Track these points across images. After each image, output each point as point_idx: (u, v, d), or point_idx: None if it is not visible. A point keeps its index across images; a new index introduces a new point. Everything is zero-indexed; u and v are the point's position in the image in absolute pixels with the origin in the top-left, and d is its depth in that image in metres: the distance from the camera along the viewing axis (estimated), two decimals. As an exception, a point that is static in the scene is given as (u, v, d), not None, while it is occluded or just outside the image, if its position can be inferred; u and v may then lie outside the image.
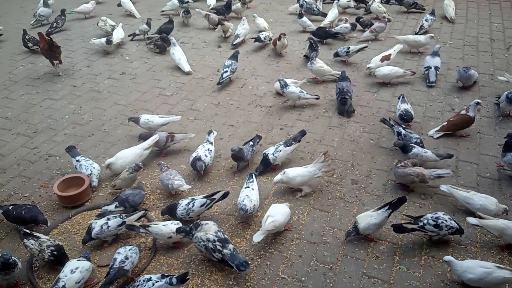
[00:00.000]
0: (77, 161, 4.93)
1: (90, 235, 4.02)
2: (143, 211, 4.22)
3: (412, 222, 3.95)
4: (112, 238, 4.12)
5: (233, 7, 9.22)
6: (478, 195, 4.18)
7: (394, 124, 5.20)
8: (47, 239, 3.91)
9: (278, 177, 4.49)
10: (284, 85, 5.91)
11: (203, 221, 3.85)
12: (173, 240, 4.03)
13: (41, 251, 3.80)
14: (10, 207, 4.29)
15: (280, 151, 4.90)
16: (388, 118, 5.35)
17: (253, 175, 4.49)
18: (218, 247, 3.71)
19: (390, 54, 6.72)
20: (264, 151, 4.98)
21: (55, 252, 3.82)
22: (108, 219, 4.05)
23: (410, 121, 5.44)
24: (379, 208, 3.99)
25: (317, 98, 6.09)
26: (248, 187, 4.33)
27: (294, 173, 4.50)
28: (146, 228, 3.97)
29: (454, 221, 3.90)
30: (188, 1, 9.61)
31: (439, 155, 4.76)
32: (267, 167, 4.92)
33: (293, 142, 4.98)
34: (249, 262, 3.80)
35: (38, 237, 3.86)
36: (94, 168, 4.89)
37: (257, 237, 3.89)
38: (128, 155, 4.98)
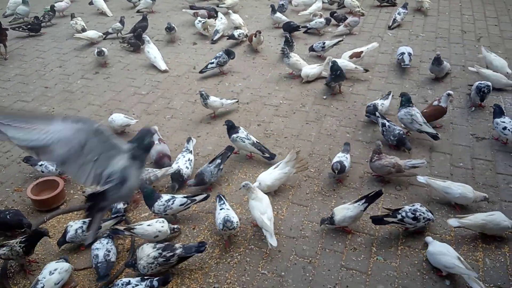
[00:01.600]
0: (40, 165, 4.83)
1: (65, 238, 3.95)
2: (120, 216, 4.14)
3: (391, 214, 4.00)
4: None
5: (229, 1, 9.12)
6: (455, 184, 4.26)
7: (379, 116, 5.26)
8: (13, 241, 3.83)
9: (255, 186, 4.38)
10: (206, 96, 5.71)
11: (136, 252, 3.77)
12: (160, 239, 3.98)
13: (12, 248, 3.72)
14: None
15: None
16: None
17: (221, 196, 4.17)
18: (169, 254, 3.66)
19: (361, 52, 6.74)
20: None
21: (23, 239, 3.78)
22: (84, 222, 3.98)
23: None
24: (356, 201, 4.05)
25: (237, 101, 6.05)
26: (223, 208, 4.02)
27: (271, 178, 4.46)
28: (131, 230, 3.92)
29: (430, 212, 3.99)
30: None
31: (346, 150, 4.76)
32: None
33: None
34: (229, 259, 3.83)
35: (6, 244, 3.78)
36: None
37: (274, 241, 3.83)
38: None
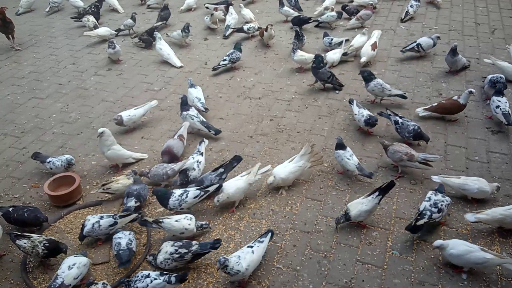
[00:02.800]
0: (49, 162, 4.91)
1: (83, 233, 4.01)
2: (135, 214, 4.14)
3: (419, 217, 3.89)
4: (104, 237, 4.10)
5: None
6: (470, 179, 4.22)
7: (391, 114, 5.19)
8: (38, 236, 3.90)
9: (270, 180, 4.46)
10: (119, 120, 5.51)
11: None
12: (186, 235, 3.99)
13: (34, 247, 3.78)
14: (10, 209, 4.22)
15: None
16: (385, 109, 5.34)
17: (271, 233, 3.82)
18: (184, 250, 3.70)
19: (375, 42, 6.74)
20: None
21: (47, 245, 3.81)
22: (101, 217, 4.03)
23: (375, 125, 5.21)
24: (369, 195, 4.03)
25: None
26: (252, 246, 3.66)
27: (286, 171, 4.46)
28: (159, 223, 3.95)
29: (444, 194, 4.00)
30: None
31: (360, 168, 4.54)
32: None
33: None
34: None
35: (29, 237, 3.84)
36: (64, 156, 4.94)
37: (267, 167, 4.46)
38: (119, 149, 5.00)
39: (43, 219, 4.22)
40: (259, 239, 3.77)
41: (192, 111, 5.45)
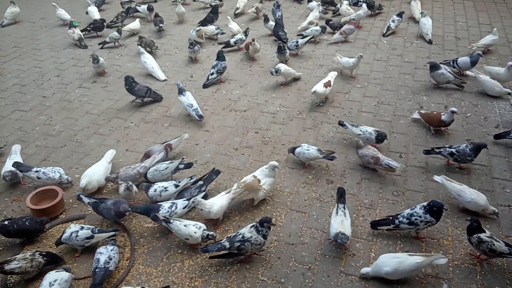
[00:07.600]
0: (36, 171, 4.84)
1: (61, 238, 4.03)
2: (113, 232, 4.13)
3: (390, 218, 4.07)
4: (80, 248, 4.08)
5: (241, 4, 9.67)
6: (468, 189, 4.29)
7: (441, 150, 4.89)
8: (23, 254, 3.84)
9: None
10: None
11: None
12: (190, 242, 4.03)
13: (32, 260, 3.76)
14: (6, 222, 4.16)
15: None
16: (431, 148, 4.99)
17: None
18: None
19: (329, 81, 6.26)
20: None
21: (44, 253, 3.87)
22: (82, 228, 4.02)
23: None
24: (337, 211, 4.06)
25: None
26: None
27: (219, 205, 4.32)
28: (168, 223, 4.00)
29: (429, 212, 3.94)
30: (153, 8, 9.55)
31: (321, 152, 4.89)
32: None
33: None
34: (228, 267, 3.86)
35: (13, 259, 3.76)
36: (60, 170, 4.90)
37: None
38: (100, 169, 4.91)
39: (46, 220, 4.30)
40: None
41: None
